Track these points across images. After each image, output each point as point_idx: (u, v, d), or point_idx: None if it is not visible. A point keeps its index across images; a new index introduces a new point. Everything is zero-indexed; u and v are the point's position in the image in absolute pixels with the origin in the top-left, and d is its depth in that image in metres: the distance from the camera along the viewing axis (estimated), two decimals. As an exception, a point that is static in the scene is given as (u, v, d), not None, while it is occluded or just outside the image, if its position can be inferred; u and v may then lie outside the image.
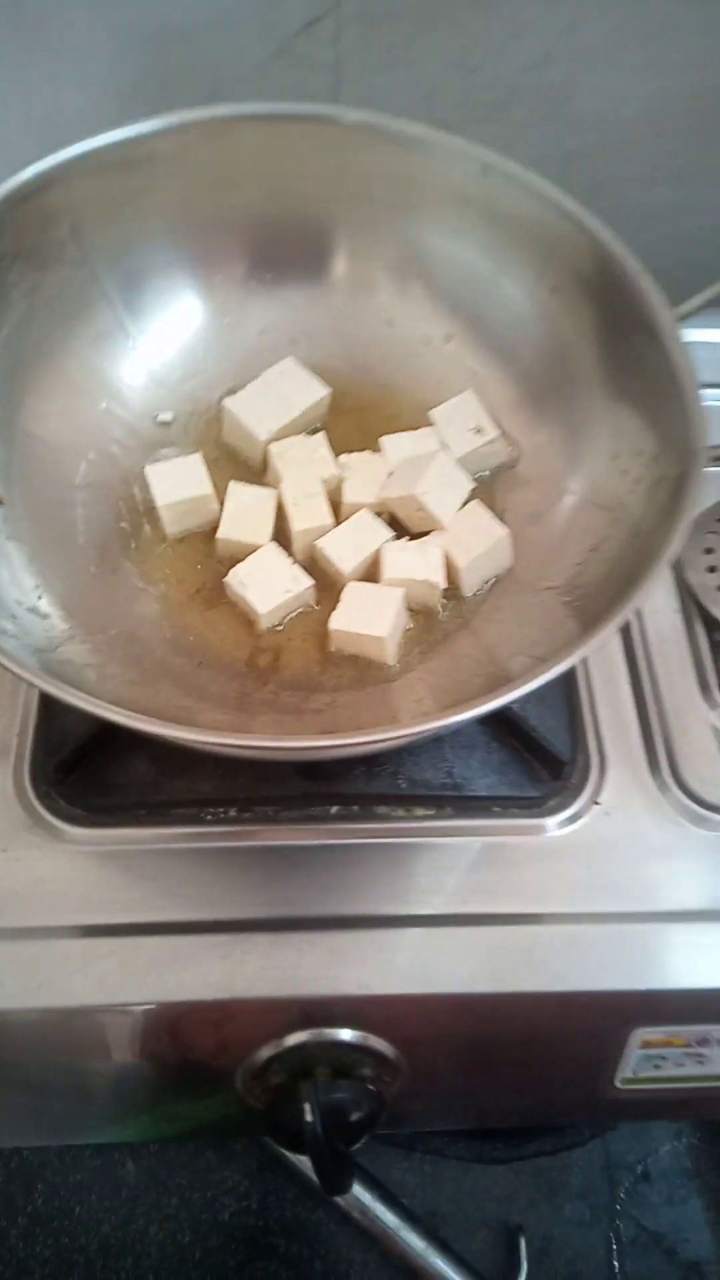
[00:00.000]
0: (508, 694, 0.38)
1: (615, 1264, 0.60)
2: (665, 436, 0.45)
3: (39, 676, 0.38)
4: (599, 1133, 0.62)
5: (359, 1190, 0.60)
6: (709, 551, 0.58)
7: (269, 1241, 0.60)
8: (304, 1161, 0.60)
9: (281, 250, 0.55)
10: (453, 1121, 0.58)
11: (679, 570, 0.58)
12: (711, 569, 0.57)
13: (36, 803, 0.49)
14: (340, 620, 0.48)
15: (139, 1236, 0.60)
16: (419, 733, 0.37)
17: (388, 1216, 0.59)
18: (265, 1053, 0.47)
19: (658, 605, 0.58)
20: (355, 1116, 0.46)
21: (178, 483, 0.51)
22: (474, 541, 0.50)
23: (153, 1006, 0.45)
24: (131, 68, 0.67)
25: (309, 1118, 0.45)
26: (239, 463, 0.55)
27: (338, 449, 0.54)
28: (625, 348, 0.48)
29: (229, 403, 0.53)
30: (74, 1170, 0.61)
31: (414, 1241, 0.59)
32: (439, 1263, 0.59)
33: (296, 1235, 0.60)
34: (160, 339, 0.55)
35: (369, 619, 0.48)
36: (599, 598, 0.45)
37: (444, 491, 0.51)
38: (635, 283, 0.47)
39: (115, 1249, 0.59)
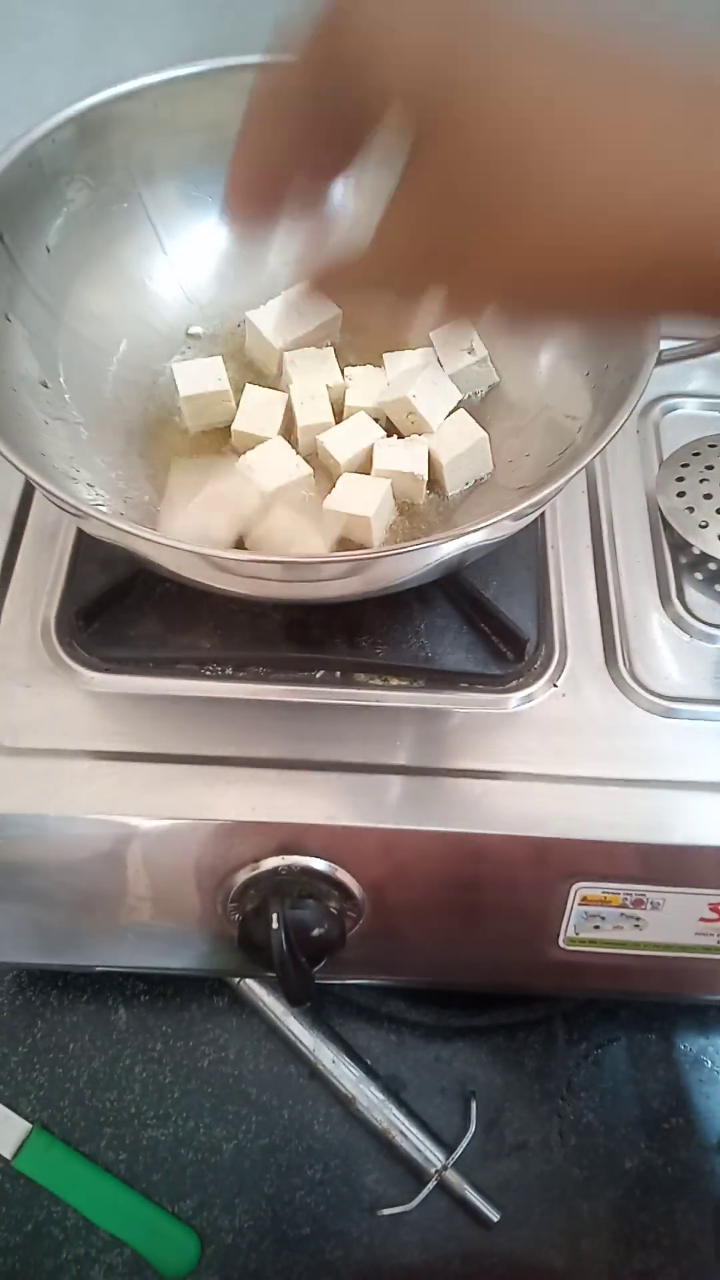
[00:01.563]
0: (458, 534, 0.44)
1: (560, 1138, 0.65)
2: (628, 349, 0.51)
3: (77, 501, 0.44)
4: (554, 1012, 0.67)
5: (325, 1045, 0.65)
6: (680, 480, 0.63)
7: (242, 1089, 0.66)
8: (279, 1011, 0.66)
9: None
10: (412, 974, 0.63)
11: (652, 499, 0.64)
12: (680, 494, 0.62)
13: (59, 648, 0.56)
14: (333, 502, 0.55)
15: (125, 1074, 0.65)
16: (392, 552, 0.43)
17: (351, 1071, 0.65)
18: (242, 876, 0.53)
19: (630, 526, 0.63)
20: (317, 933, 0.52)
21: (199, 379, 0.58)
22: (456, 442, 0.56)
23: (144, 820, 0.51)
24: (192, 36, 0.75)
25: (275, 925, 0.50)
26: (258, 372, 0.62)
27: (348, 365, 0.60)
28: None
29: (251, 314, 0.60)
30: (70, 1011, 0.67)
31: (372, 1095, 0.64)
32: (394, 1115, 0.64)
33: (267, 1086, 0.66)
34: (194, 259, 0.62)
35: (359, 502, 0.54)
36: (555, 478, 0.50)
37: (433, 398, 0.57)
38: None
39: (103, 1082, 0.65)
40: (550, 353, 0.59)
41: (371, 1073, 0.65)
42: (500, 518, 0.43)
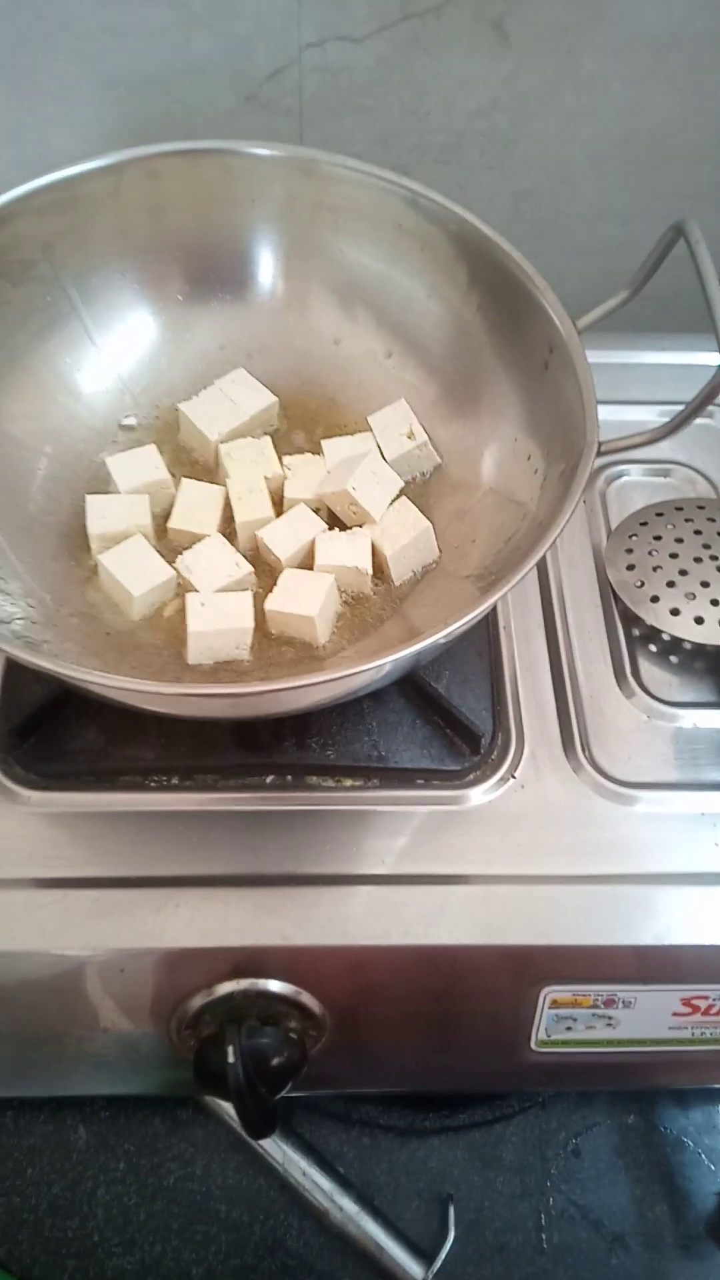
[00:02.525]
0: (412, 645, 0.42)
1: (543, 1235, 0.63)
2: (567, 436, 0.50)
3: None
4: (529, 1105, 0.65)
5: (296, 1156, 0.62)
6: (629, 552, 0.62)
7: (210, 1206, 0.63)
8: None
9: (229, 274, 0.61)
10: (382, 1083, 0.61)
11: (601, 570, 0.63)
12: (630, 567, 0.61)
13: (-7, 767, 0.53)
14: (275, 602, 0.53)
15: (87, 1198, 0.62)
16: (335, 677, 0.41)
17: (324, 1182, 0.62)
18: (196, 1002, 0.50)
19: (581, 600, 0.62)
20: (277, 1062, 0.49)
21: (136, 470, 0.56)
22: (400, 533, 0.55)
23: (90, 953, 0.49)
24: (114, 112, 0.74)
25: (231, 1059, 0.48)
26: (194, 461, 0.60)
27: (286, 454, 0.59)
28: (537, 360, 0.53)
29: (184, 406, 0.59)
30: (27, 1134, 0.64)
31: (348, 1205, 0.61)
32: (371, 1227, 0.61)
33: (237, 1201, 0.63)
34: (124, 349, 0.60)
35: (301, 601, 0.52)
36: (505, 577, 0.49)
37: (374, 488, 0.55)
38: (543, 297, 0.52)
39: (63, 1209, 0.62)
40: (490, 436, 0.57)
41: (345, 1182, 0.62)
42: (455, 627, 0.42)
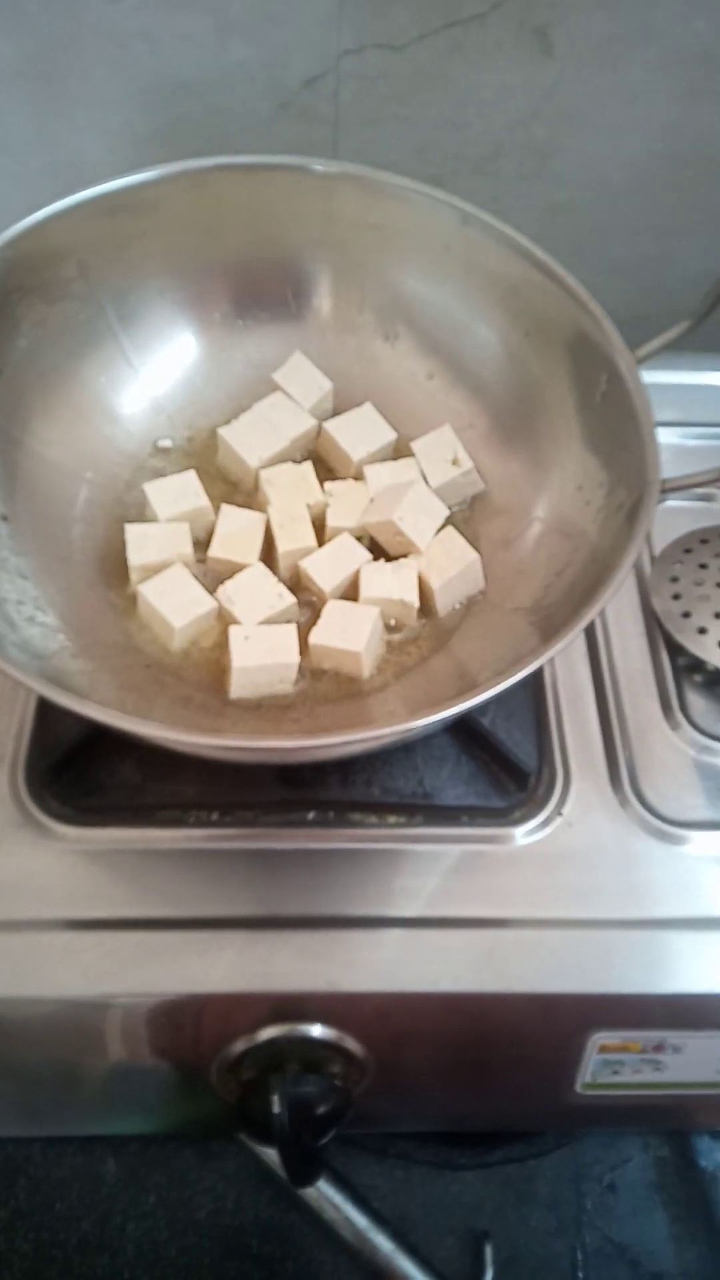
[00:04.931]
0: (469, 700, 0.41)
1: (580, 1274, 0.62)
2: (624, 469, 0.48)
3: (37, 681, 0.41)
4: (566, 1142, 0.64)
5: (330, 1191, 0.61)
6: (674, 580, 0.61)
7: (242, 1241, 0.62)
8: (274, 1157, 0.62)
9: (271, 292, 0.59)
10: (421, 1123, 0.60)
11: (645, 598, 0.61)
12: (676, 596, 0.60)
13: (29, 802, 0.52)
14: (320, 635, 0.51)
15: (117, 1233, 0.61)
16: (386, 734, 0.40)
17: (357, 1218, 0.61)
18: (238, 1047, 0.49)
19: (625, 630, 0.61)
20: (322, 1110, 0.48)
21: (176, 497, 0.54)
22: (447, 564, 0.53)
23: (132, 998, 0.47)
24: (147, 119, 0.72)
25: (277, 1109, 0.47)
26: (232, 484, 0.59)
27: (325, 478, 0.57)
28: (590, 388, 0.52)
29: (223, 431, 0.57)
30: (56, 1167, 0.63)
31: (382, 1244, 0.60)
32: (406, 1265, 0.60)
33: (270, 1236, 0.62)
34: (161, 370, 0.59)
35: (346, 634, 0.51)
36: (560, 615, 0.48)
37: (420, 517, 0.54)
38: (599, 326, 0.50)
39: (93, 1245, 0.61)
40: (538, 463, 0.56)
41: (379, 1218, 0.61)
42: (517, 677, 0.40)
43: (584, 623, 0.42)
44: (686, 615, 0.59)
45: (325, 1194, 0.61)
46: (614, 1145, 0.66)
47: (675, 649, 0.59)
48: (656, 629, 0.60)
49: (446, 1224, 0.63)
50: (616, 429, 0.49)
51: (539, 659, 0.41)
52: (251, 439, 0.57)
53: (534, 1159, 0.64)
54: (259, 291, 0.59)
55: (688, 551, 0.62)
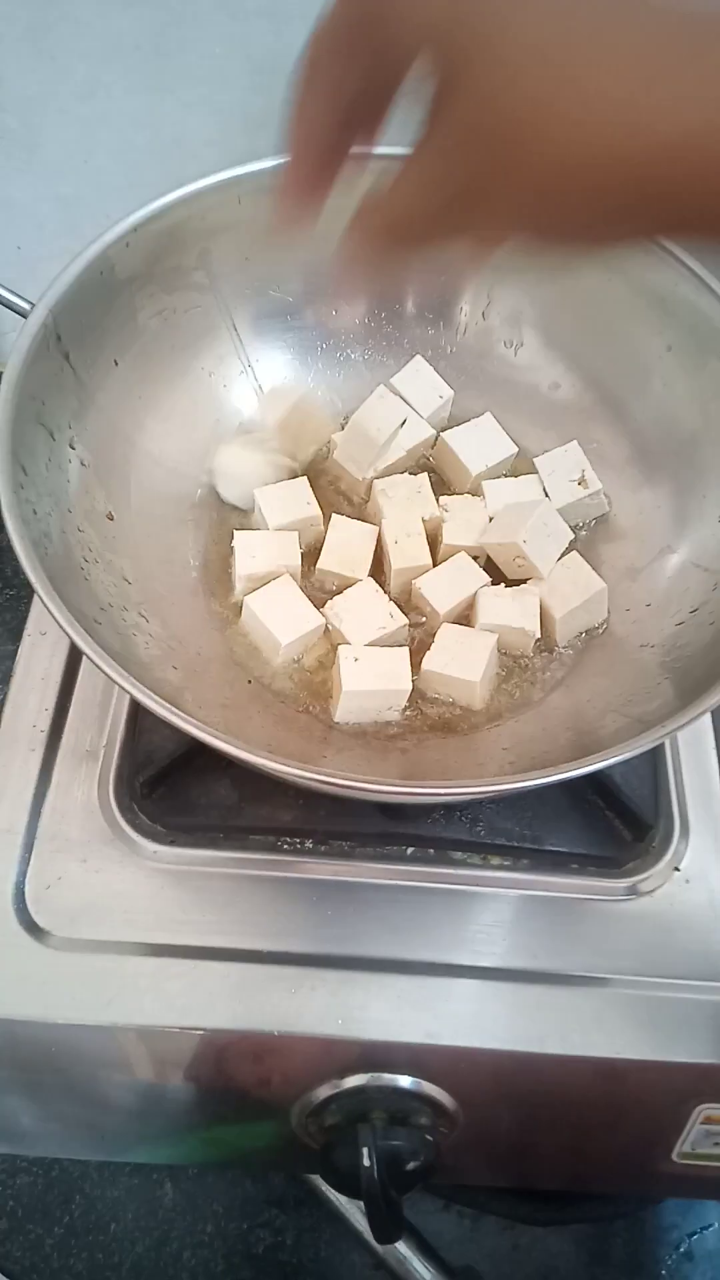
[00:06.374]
0: (590, 765, 0.38)
1: (652, 1344, 0.58)
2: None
3: (144, 692, 0.38)
4: (646, 1205, 0.61)
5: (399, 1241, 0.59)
6: None
7: (300, 1280, 0.59)
8: (343, 1201, 0.59)
9: (396, 293, 0.56)
10: (501, 1178, 0.57)
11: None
12: None
13: (119, 816, 0.49)
14: (434, 662, 0.48)
15: (172, 1260, 0.59)
16: (497, 792, 0.37)
17: (424, 1271, 0.58)
18: (323, 1092, 0.46)
19: (749, 670, 0.57)
20: (411, 1165, 0.45)
21: (286, 504, 0.52)
22: (571, 593, 0.50)
23: (219, 1032, 0.45)
24: (262, 100, 0.69)
25: (367, 1163, 0.44)
26: (339, 493, 0.56)
27: (440, 492, 0.54)
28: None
29: (339, 437, 0.54)
30: (112, 1186, 0.61)
31: (448, 1297, 0.58)
32: (472, 1321, 0.57)
33: (329, 1278, 0.60)
34: (276, 368, 0.56)
35: (462, 663, 0.48)
36: (698, 664, 0.44)
37: (544, 542, 0.50)
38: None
39: (148, 1270, 0.59)
40: (677, 490, 0.52)
41: (447, 1269, 0.59)
42: (657, 738, 0.37)
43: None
44: None
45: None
46: (693, 1209, 0.62)
47: None
48: (782, 671, 0.56)
49: (516, 1278, 0.60)
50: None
51: (673, 726, 0.38)
52: (364, 447, 0.53)
53: (610, 1220, 0.61)
54: (382, 290, 0.56)
55: None
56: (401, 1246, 0.59)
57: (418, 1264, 0.58)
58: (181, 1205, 0.61)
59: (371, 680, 0.47)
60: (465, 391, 0.57)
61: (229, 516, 0.54)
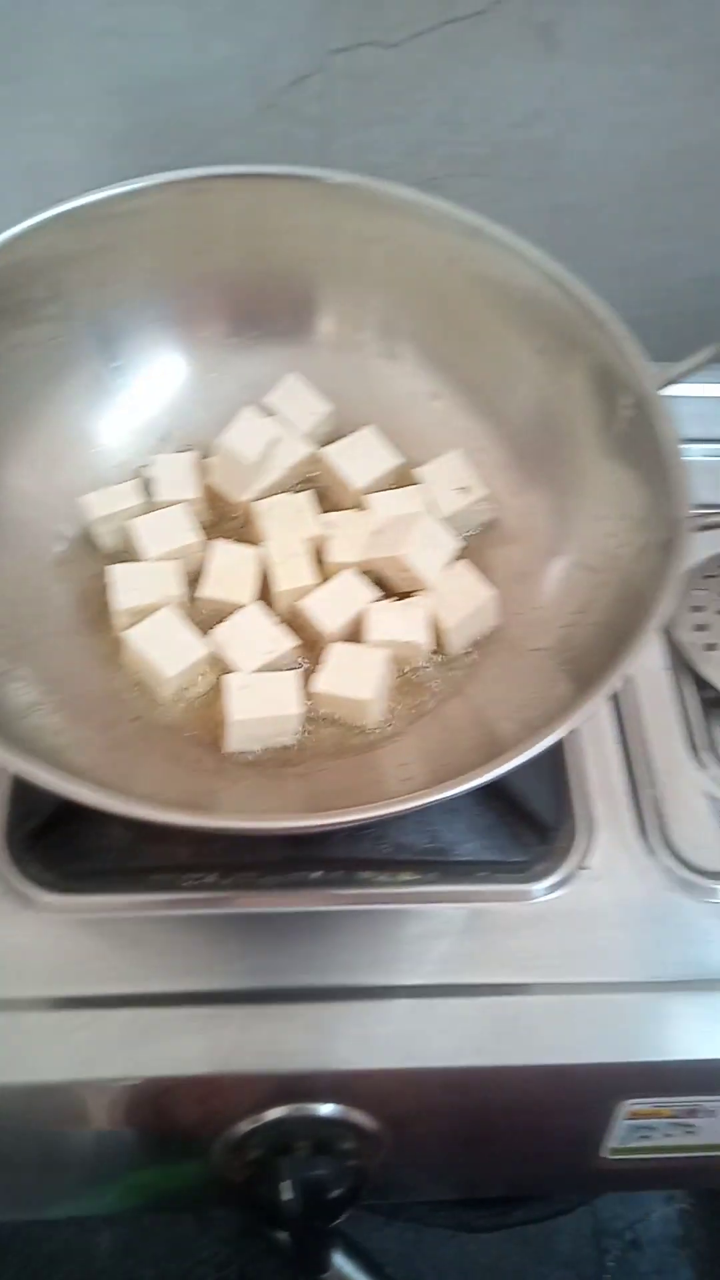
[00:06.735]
0: (500, 766, 0.37)
1: (603, 1338, 0.59)
2: (651, 502, 0.45)
3: (10, 754, 0.37)
4: (587, 1200, 0.61)
5: (341, 1260, 0.58)
6: (697, 609, 0.57)
7: (247, 1315, 0.58)
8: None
9: (266, 309, 0.55)
10: (436, 1193, 0.57)
11: (667, 628, 0.58)
12: (699, 627, 0.56)
13: (9, 868, 0.48)
14: (324, 682, 0.48)
15: (113, 1311, 0.58)
16: (401, 811, 0.36)
17: (370, 1288, 0.58)
18: (243, 1127, 0.45)
19: (647, 664, 0.57)
20: (335, 1194, 0.45)
21: (164, 533, 0.50)
22: (460, 602, 0.50)
23: (128, 1082, 0.44)
24: (121, 119, 0.67)
25: (287, 1196, 0.43)
26: (221, 515, 0.55)
27: (324, 508, 0.54)
28: (611, 411, 0.48)
29: (216, 463, 0.53)
30: (47, 1241, 0.59)
31: (397, 1315, 0.57)
32: (422, 1338, 0.57)
33: (276, 1308, 0.59)
34: (146, 395, 0.55)
35: (353, 681, 0.47)
36: (590, 659, 0.44)
37: (429, 551, 0.50)
38: (619, 346, 0.47)
39: (88, 1324, 0.57)
40: (556, 492, 0.52)
41: (393, 1287, 0.58)
42: (555, 736, 0.37)
43: (622, 673, 0.39)
44: (711, 647, 0.56)
45: (336, 1262, 0.58)
46: (636, 1199, 0.63)
47: (700, 683, 0.56)
48: (680, 663, 0.57)
49: (463, 1289, 0.60)
50: (642, 457, 0.46)
51: (573, 718, 0.38)
52: (235, 469, 0.52)
53: (553, 1218, 0.61)
54: (251, 308, 0.55)
55: (709, 578, 0.59)
56: (348, 1266, 0.58)
57: (365, 1284, 0.58)
58: (119, 1252, 0.59)
59: (259, 707, 0.46)
60: (346, 405, 0.57)
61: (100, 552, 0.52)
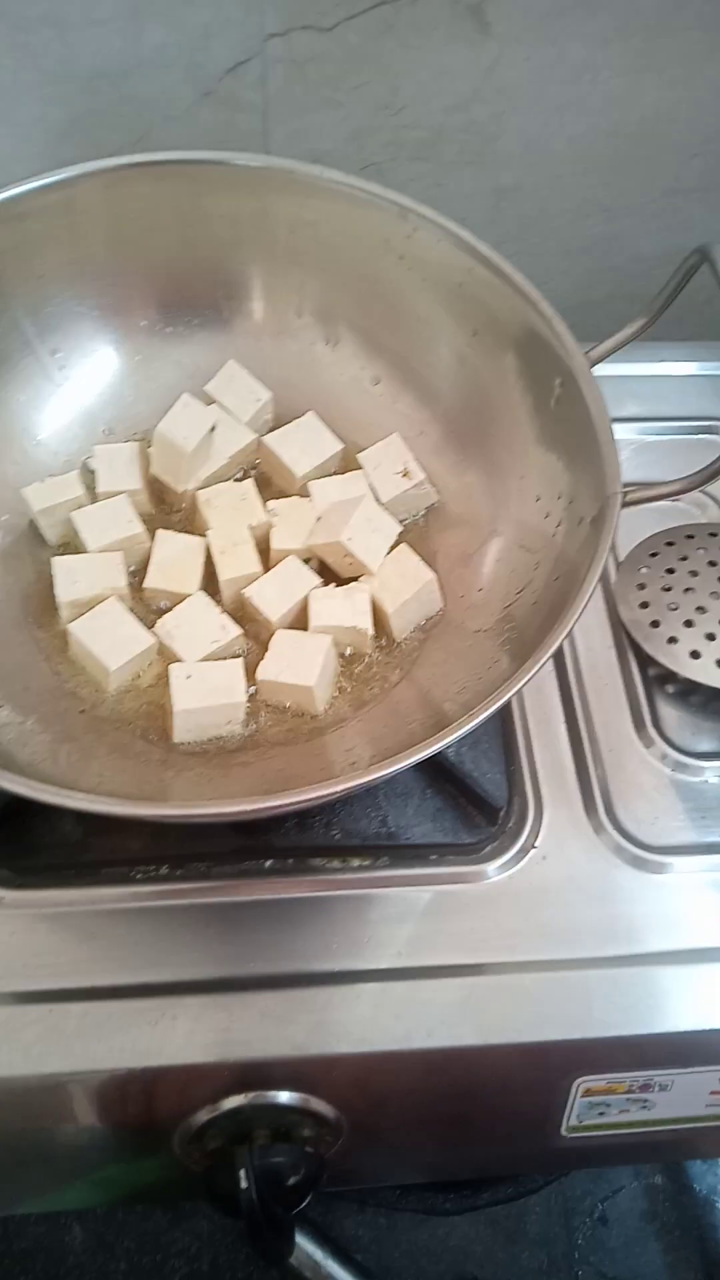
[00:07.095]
0: (438, 742, 0.37)
1: (574, 1312, 0.59)
2: (583, 479, 0.45)
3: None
4: (555, 1178, 0.61)
5: (311, 1248, 0.58)
6: (641, 588, 0.58)
7: (220, 1305, 0.58)
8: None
9: (203, 297, 0.55)
10: (401, 1176, 0.57)
11: (612, 606, 0.58)
12: (644, 604, 0.57)
13: (-40, 865, 0.48)
14: (269, 670, 0.48)
15: (85, 1306, 0.58)
16: (347, 789, 0.36)
17: (341, 1274, 0.58)
18: (201, 1117, 0.45)
19: (592, 642, 0.58)
20: (293, 1181, 0.45)
21: (106, 524, 0.50)
22: (402, 586, 0.50)
23: (82, 1076, 0.44)
24: (60, 110, 0.67)
25: (244, 1184, 0.43)
26: (166, 505, 0.55)
27: (268, 496, 0.53)
28: (544, 391, 0.48)
29: (155, 451, 0.53)
30: (18, 1238, 0.59)
31: (367, 1299, 0.57)
32: (393, 1320, 0.57)
33: (248, 1297, 0.59)
34: (86, 384, 0.55)
35: (297, 668, 0.47)
36: (529, 636, 0.45)
37: (370, 537, 0.50)
38: (550, 326, 0.47)
39: (60, 1320, 0.57)
40: (494, 473, 0.52)
41: (364, 1272, 0.58)
42: (493, 709, 0.37)
43: (553, 647, 0.39)
44: (655, 624, 0.56)
45: (305, 1250, 0.58)
46: (604, 1176, 0.63)
47: (645, 660, 0.56)
48: (625, 639, 0.57)
49: (434, 1271, 0.60)
50: (573, 436, 0.46)
51: (510, 689, 0.38)
52: (174, 458, 0.52)
53: (522, 1198, 0.61)
54: (188, 297, 0.55)
55: (653, 555, 0.59)
56: (318, 1253, 0.58)
57: (336, 1270, 0.58)
58: (91, 1246, 0.59)
59: (204, 696, 0.46)
60: (287, 392, 0.57)
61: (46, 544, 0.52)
